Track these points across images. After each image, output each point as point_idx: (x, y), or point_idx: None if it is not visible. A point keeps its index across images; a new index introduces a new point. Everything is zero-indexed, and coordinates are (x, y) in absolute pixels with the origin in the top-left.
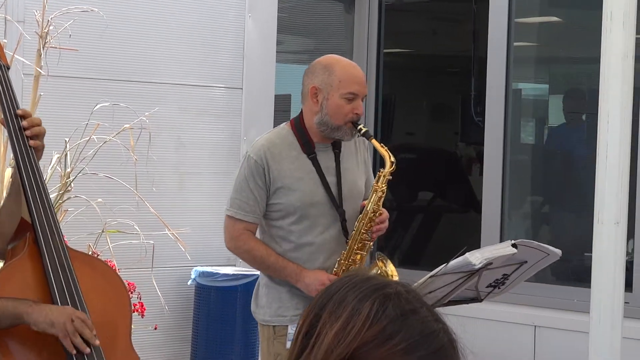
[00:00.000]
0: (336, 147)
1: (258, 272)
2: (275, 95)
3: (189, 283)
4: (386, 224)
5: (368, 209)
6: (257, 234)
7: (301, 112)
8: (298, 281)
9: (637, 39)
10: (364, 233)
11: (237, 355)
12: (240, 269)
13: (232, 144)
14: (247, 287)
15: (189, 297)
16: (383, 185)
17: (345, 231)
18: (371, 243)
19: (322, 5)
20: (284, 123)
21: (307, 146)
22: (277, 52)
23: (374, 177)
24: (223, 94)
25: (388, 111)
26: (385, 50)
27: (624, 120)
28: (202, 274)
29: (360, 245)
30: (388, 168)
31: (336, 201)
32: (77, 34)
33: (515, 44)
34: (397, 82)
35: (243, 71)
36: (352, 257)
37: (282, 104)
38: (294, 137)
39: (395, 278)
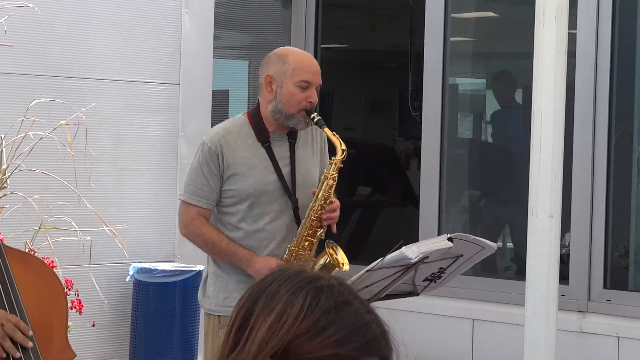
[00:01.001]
0: (291, 136)
1: (197, 268)
2: (213, 90)
3: (127, 279)
4: (337, 213)
5: (319, 196)
6: (210, 221)
7: (258, 102)
8: (249, 266)
9: (571, 34)
10: (315, 220)
11: (177, 351)
12: (179, 264)
13: (170, 140)
14: (185, 283)
15: (127, 293)
16: (334, 173)
17: (297, 219)
18: (321, 231)
19: (259, 1)
20: (242, 113)
21: (262, 135)
22: (214, 47)
23: None
24: (160, 90)
25: (326, 106)
26: (323, 46)
27: (557, 115)
28: (141, 270)
29: (310, 232)
30: (339, 156)
31: (289, 189)
32: (12, 30)
33: (452, 39)
34: (335, 78)
35: (180, 67)
36: (302, 244)
37: (220, 100)
38: (249, 126)
39: (346, 266)
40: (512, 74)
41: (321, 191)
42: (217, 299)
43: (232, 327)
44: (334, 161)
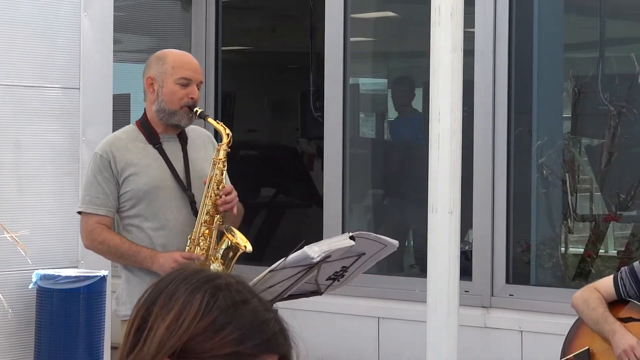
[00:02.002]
0: (182, 137)
1: (101, 273)
2: (114, 94)
3: (30, 287)
4: (232, 195)
5: (211, 182)
6: (115, 229)
7: (145, 110)
8: (153, 263)
9: (469, 33)
10: (210, 207)
11: (82, 355)
12: (83, 270)
13: (70, 145)
14: (90, 289)
15: (31, 300)
16: (222, 158)
17: (195, 213)
18: (218, 217)
19: (159, 4)
20: (130, 124)
21: (152, 137)
22: (115, 51)
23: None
24: (59, 95)
25: (228, 108)
26: (224, 48)
27: (454, 112)
28: (44, 277)
29: (208, 219)
30: (225, 140)
31: (184, 185)
32: None
33: (352, 39)
34: (236, 80)
35: (80, 71)
36: (202, 232)
37: (121, 104)
38: (139, 132)
39: (249, 247)
40: (410, 77)
41: (212, 177)
42: (131, 303)
43: (131, 327)
44: (220, 146)
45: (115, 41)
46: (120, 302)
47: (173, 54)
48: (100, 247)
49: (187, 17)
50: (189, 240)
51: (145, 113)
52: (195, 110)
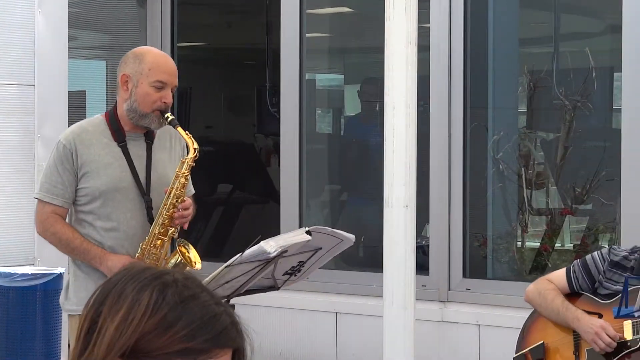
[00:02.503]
0: (148, 137)
1: (58, 270)
2: (69, 91)
3: None
4: (190, 211)
5: (171, 194)
6: (67, 220)
7: (116, 103)
8: (101, 264)
9: (425, 28)
10: (167, 218)
11: (39, 354)
12: (39, 268)
13: (25, 142)
14: (46, 286)
15: None
16: (186, 172)
17: (150, 218)
18: (173, 229)
19: (115, 0)
20: (99, 114)
21: (118, 134)
22: (70, 47)
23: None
24: (14, 91)
25: (185, 105)
26: (180, 44)
27: (409, 106)
28: (0, 275)
29: (162, 230)
30: (191, 155)
31: (143, 188)
32: None
33: (308, 35)
34: (193, 76)
35: (34, 67)
36: (154, 242)
37: (76, 101)
38: (106, 125)
39: (199, 265)
40: (377, 79)
41: (173, 190)
42: (78, 298)
43: (81, 329)
44: (186, 160)
45: (71, 38)
46: (68, 297)
47: (152, 54)
48: (51, 238)
49: (142, 13)
50: (140, 248)
51: (115, 108)
52: (166, 116)
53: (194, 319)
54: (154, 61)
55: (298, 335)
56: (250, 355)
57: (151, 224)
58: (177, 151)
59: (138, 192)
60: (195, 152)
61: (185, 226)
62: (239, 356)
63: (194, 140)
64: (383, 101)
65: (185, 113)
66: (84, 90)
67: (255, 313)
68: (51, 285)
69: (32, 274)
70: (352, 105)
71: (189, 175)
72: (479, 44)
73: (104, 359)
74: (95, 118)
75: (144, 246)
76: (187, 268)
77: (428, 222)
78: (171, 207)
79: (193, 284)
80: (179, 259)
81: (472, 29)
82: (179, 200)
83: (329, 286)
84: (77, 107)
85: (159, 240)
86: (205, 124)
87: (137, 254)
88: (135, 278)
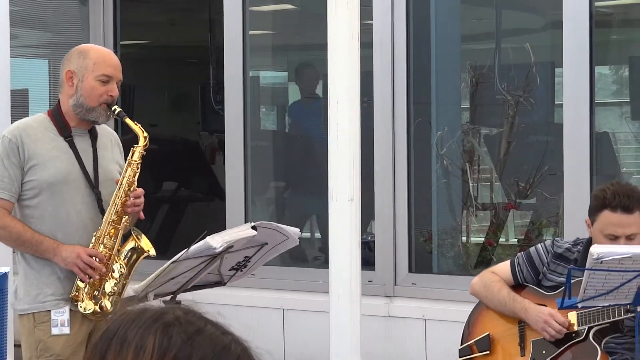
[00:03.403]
0: (92, 134)
1: (3, 270)
2: (11, 90)
3: None
4: (142, 199)
5: (123, 182)
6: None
7: (58, 101)
8: (55, 255)
9: (368, 24)
10: (119, 206)
11: None
12: None
13: None
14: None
15: None
16: (137, 160)
17: (102, 211)
18: (126, 217)
19: None
20: (42, 112)
21: (64, 130)
22: (12, 46)
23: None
24: None
25: (128, 103)
26: (123, 42)
27: (352, 100)
28: None
29: (115, 218)
30: (142, 142)
31: (92, 181)
32: None
33: (251, 32)
34: (136, 74)
35: None
36: (108, 231)
37: (19, 99)
38: (50, 122)
39: (152, 251)
40: (314, 66)
41: (125, 178)
42: (29, 296)
43: None
44: (137, 148)
45: (12, 36)
46: (18, 297)
47: (95, 50)
48: (1, 232)
49: (84, 11)
50: (93, 237)
51: (59, 104)
52: (113, 109)
53: (206, 354)
54: (98, 56)
55: (245, 332)
56: None
57: (102, 216)
58: (116, 153)
59: (87, 185)
60: (145, 140)
61: (141, 215)
62: None
63: (143, 130)
64: (323, 92)
65: (129, 111)
66: (27, 89)
67: (202, 309)
68: None
69: None
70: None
71: (140, 164)
72: (421, 40)
73: None
74: (38, 116)
75: (98, 235)
76: (143, 255)
77: (374, 218)
78: (123, 195)
79: (195, 318)
80: (135, 244)
81: (414, 25)
82: (131, 189)
83: (275, 282)
84: (20, 106)
85: (113, 229)
86: (150, 122)
87: (91, 244)
88: (135, 323)
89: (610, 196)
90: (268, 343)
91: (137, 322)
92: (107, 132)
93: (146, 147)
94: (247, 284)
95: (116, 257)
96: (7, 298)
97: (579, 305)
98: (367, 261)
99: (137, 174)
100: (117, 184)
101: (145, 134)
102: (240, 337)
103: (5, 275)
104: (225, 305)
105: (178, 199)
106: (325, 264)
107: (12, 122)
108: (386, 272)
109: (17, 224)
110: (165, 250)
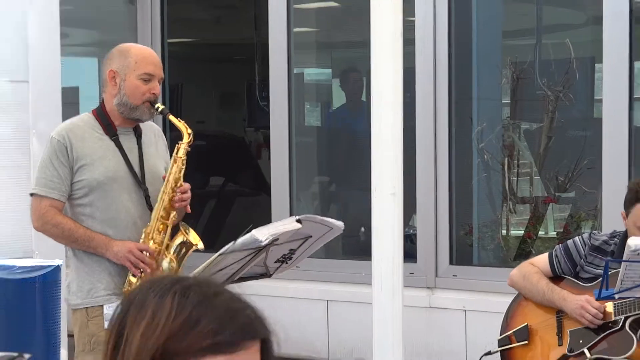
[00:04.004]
0: (137, 131)
1: (55, 262)
2: (62, 87)
3: None
4: (189, 194)
5: (169, 178)
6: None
7: (102, 100)
8: (107, 251)
9: (410, 22)
10: (167, 202)
11: (39, 343)
12: (37, 260)
13: (20, 137)
14: (45, 278)
15: None
16: (183, 156)
17: (150, 207)
18: (174, 213)
19: None
20: (86, 112)
21: (109, 129)
22: (63, 45)
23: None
24: (8, 88)
25: (176, 100)
26: (170, 40)
27: (395, 96)
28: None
29: (164, 214)
30: (186, 139)
31: (139, 178)
32: None
33: (296, 29)
34: (183, 72)
35: (28, 64)
36: (157, 227)
37: (70, 96)
38: (96, 121)
39: (200, 245)
40: (359, 71)
41: (171, 174)
42: (82, 291)
43: (107, 346)
44: (182, 145)
45: (63, 35)
46: (71, 291)
47: (136, 49)
48: (53, 230)
49: (132, 10)
50: (143, 233)
51: (103, 104)
52: (156, 106)
53: (219, 314)
54: (139, 55)
55: (290, 323)
56: (277, 347)
57: (150, 212)
58: (160, 146)
59: (134, 182)
60: (189, 136)
61: (188, 209)
62: (267, 347)
63: (187, 127)
64: (366, 90)
65: (176, 109)
66: (77, 87)
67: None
68: (49, 277)
69: (30, 266)
70: (340, 99)
71: (185, 160)
72: (463, 37)
73: None
74: (84, 116)
75: (147, 231)
76: (192, 247)
77: (415, 212)
78: (170, 191)
79: (214, 284)
80: (184, 238)
81: (456, 22)
82: (178, 185)
83: (320, 275)
84: (70, 103)
85: (162, 225)
86: (197, 119)
87: (141, 240)
88: (155, 286)
89: None
90: (313, 333)
91: (157, 285)
92: (149, 126)
93: (190, 143)
94: (292, 276)
95: (165, 252)
96: (60, 290)
97: (616, 296)
98: (409, 254)
99: (183, 170)
100: (164, 180)
101: (190, 131)
102: (256, 306)
103: (58, 267)
104: (271, 297)
105: (225, 193)
106: (368, 256)
107: (63, 119)
108: (428, 264)
109: (68, 222)
110: (212, 243)
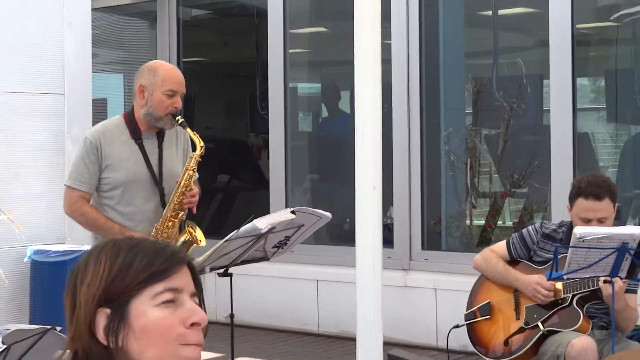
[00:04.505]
0: (160, 136)
1: (85, 248)
2: (93, 99)
3: (25, 260)
4: (196, 198)
5: (181, 184)
6: (93, 204)
7: (132, 107)
8: None
9: (386, 44)
10: (177, 204)
11: None
12: (69, 246)
13: (57, 142)
14: (75, 261)
15: (25, 272)
16: (194, 166)
17: (163, 204)
18: (182, 213)
19: (129, 23)
20: (118, 115)
21: (135, 133)
22: (94, 62)
23: None
24: (47, 99)
25: (190, 109)
26: (185, 59)
27: (375, 106)
28: (36, 252)
29: (173, 214)
30: (198, 151)
31: (156, 179)
32: None
33: (291, 50)
34: (196, 86)
35: (64, 79)
36: (166, 224)
37: (99, 106)
38: (125, 125)
39: (203, 243)
40: (336, 87)
41: (183, 180)
42: None
43: (66, 310)
44: (194, 156)
45: (94, 54)
46: None
47: (163, 67)
48: (80, 218)
49: (152, 33)
50: (154, 229)
51: (133, 110)
52: (177, 118)
53: (148, 252)
54: (165, 73)
55: (285, 300)
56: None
57: (164, 209)
58: (182, 143)
59: (152, 182)
60: (201, 149)
61: (194, 210)
62: (194, 269)
63: (200, 139)
64: (350, 102)
65: (190, 116)
66: (105, 98)
67: (250, 281)
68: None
69: (63, 251)
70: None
71: (196, 169)
72: (432, 56)
73: (85, 315)
74: (115, 118)
75: (157, 227)
76: (194, 245)
77: (392, 204)
78: (181, 194)
79: (137, 237)
80: (188, 237)
81: (426, 43)
82: (188, 189)
83: (311, 258)
84: (100, 112)
85: (171, 222)
86: (207, 125)
87: (152, 233)
88: (92, 251)
89: (585, 185)
90: (305, 309)
91: (94, 249)
92: (173, 128)
93: (202, 154)
94: (286, 259)
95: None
96: None
97: (565, 277)
98: (387, 240)
99: (193, 177)
100: (177, 183)
101: (202, 144)
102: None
103: (84, 252)
104: (268, 277)
105: (230, 188)
106: (351, 242)
107: (92, 124)
108: (403, 249)
109: (93, 212)
110: (219, 230)
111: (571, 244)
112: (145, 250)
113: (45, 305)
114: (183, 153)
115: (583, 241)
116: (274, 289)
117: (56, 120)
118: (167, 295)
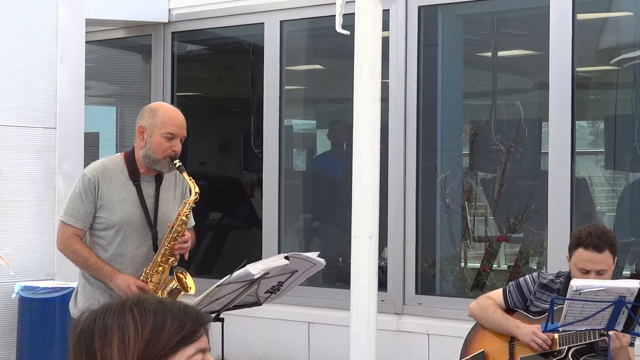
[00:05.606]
0: (158, 179)
1: (74, 284)
2: (85, 133)
3: (13, 296)
4: (188, 244)
5: (172, 230)
6: (85, 241)
7: (133, 147)
8: (111, 281)
9: (384, 83)
10: (168, 249)
11: (58, 355)
12: (58, 282)
13: (47, 177)
14: (64, 298)
15: (14, 308)
16: (187, 212)
17: (155, 248)
18: (173, 259)
19: (123, 56)
20: (120, 153)
21: (134, 174)
22: (86, 95)
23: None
24: (39, 133)
25: (183, 145)
26: (179, 94)
27: (373, 152)
28: (25, 288)
29: (163, 259)
30: (192, 197)
31: (151, 222)
32: None
33: (287, 87)
34: (189, 121)
35: (56, 113)
36: (156, 269)
37: (91, 141)
38: (124, 165)
39: (193, 290)
40: (344, 121)
41: (175, 226)
42: (85, 306)
43: None
44: (188, 202)
45: (86, 87)
46: (77, 305)
47: (164, 109)
48: (71, 255)
49: (147, 67)
50: (144, 273)
51: (133, 151)
52: (175, 162)
53: (177, 312)
54: (165, 115)
55: (276, 342)
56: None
57: (155, 252)
58: (180, 187)
59: (146, 225)
60: (196, 195)
61: (186, 256)
62: (208, 329)
63: (195, 185)
64: (348, 138)
65: (183, 152)
66: (98, 132)
67: (239, 322)
68: (69, 297)
69: (52, 288)
70: (323, 146)
71: (190, 214)
72: (429, 97)
73: None
74: (116, 157)
75: (147, 271)
76: (182, 293)
77: (386, 245)
78: (172, 240)
79: (152, 296)
80: (175, 284)
81: (423, 84)
82: (179, 235)
83: (303, 299)
84: (91, 146)
85: (161, 267)
86: (199, 161)
87: (141, 277)
88: (107, 311)
89: (585, 236)
90: (296, 351)
91: (109, 310)
92: (172, 172)
93: (196, 200)
94: (279, 300)
95: (161, 292)
96: None
97: (560, 329)
98: (381, 283)
99: (187, 223)
100: (168, 229)
101: (197, 190)
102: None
103: (72, 290)
104: (259, 318)
105: (222, 226)
106: (345, 284)
107: (85, 161)
108: (396, 293)
109: (84, 250)
110: (210, 270)
111: (568, 296)
112: (172, 309)
113: (33, 343)
114: (181, 197)
115: (580, 294)
116: (264, 331)
117: (47, 154)
118: (199, 357)
